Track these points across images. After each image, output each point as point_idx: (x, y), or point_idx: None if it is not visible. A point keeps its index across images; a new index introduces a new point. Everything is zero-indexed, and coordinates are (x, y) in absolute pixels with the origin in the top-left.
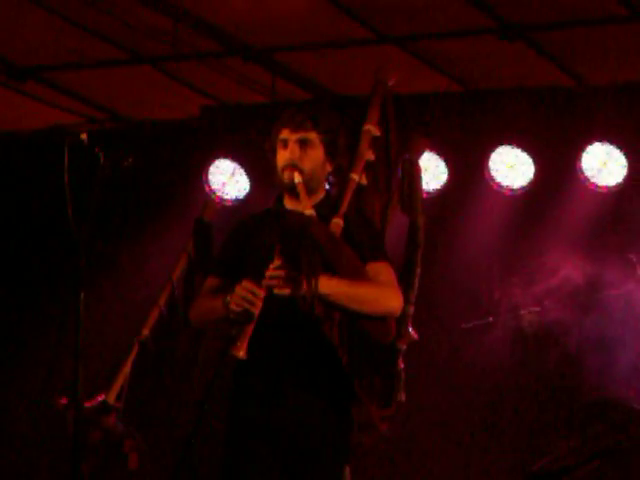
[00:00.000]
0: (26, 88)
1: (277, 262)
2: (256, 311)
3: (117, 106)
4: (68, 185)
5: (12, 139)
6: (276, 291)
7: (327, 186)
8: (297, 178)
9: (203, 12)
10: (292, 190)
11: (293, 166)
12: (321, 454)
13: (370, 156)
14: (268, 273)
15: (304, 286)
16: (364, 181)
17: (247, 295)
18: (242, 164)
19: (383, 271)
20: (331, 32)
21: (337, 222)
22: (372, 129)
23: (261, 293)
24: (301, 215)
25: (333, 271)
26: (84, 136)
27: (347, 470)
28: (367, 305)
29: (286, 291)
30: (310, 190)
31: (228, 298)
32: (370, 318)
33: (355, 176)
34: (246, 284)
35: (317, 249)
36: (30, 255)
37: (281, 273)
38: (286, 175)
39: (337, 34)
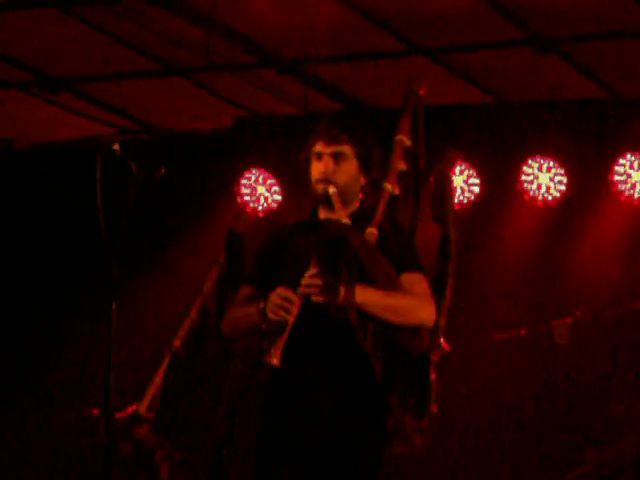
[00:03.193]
0: (59, 99)
1: (313, 270)
2: (291, 319)
3: (150, 117)
4: (100, 196)
5: (45, 150)
6: (312, 299)
7: (361, 197)
8: (332, 189)
9: (236, 24)
10: (327, 201)
11: (327, 180)
12: (354, 464)
13: (403, 166)
14: (304, 281)
15: (341, 294)
16: (397, 191)
17: (283, 302)
18: (274, 175)
19: (417, 282)
20: (363, 44)
21: (372, 231)
22: (404, 139)
23: (297, 300)
24: (339, 223)
25: (368, 280)
26: (117, 147)
27: None
28: (400, 316)
29: (322, 299)
30: (344, 202)
31: (262, 305)
32: (403, 329)
33: (388, 186)
34: (281, 291)
35: (354, 257)
36: (62, 266)
37: (318, 281)
38: (320, 188)
39: (369, 46)
